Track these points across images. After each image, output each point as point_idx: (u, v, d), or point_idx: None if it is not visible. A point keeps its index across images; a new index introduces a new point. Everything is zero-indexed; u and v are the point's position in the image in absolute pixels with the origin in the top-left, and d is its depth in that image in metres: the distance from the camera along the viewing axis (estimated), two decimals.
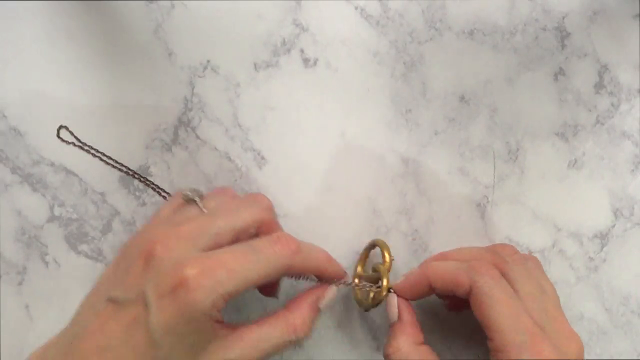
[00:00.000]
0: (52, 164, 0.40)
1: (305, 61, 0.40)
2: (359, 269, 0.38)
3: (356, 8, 0.39)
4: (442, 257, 0.37)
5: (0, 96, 0.40)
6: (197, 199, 0.34)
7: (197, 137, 0.40)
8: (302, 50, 0.39)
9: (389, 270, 0.36)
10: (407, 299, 0.35)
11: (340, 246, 0.40)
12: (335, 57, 0.39)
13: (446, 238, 0.40)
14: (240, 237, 0.32)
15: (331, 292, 0.35)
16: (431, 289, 0.34)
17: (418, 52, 0.39)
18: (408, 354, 0.33)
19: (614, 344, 0.39)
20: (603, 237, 0.39)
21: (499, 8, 0.39)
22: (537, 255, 0.39)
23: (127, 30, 0.40)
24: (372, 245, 0.38)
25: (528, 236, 0.39)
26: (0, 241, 0.40)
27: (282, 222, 0.40)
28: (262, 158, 0.40)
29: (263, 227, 0.34)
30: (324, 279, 0.35)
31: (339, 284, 0.36)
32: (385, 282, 0.35)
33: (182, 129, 0.40)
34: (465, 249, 0.37)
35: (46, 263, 0.40)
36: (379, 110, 0.40)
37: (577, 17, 0.39)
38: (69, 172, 0.40)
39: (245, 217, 0.33)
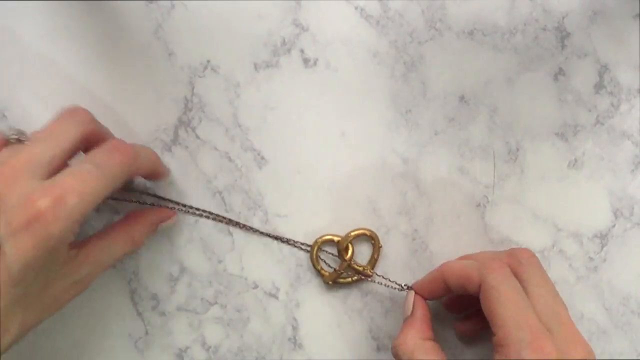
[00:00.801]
0: None
1: (305, 61, 0.40)
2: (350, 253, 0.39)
3: (356, 8, 0.39)
4: (463, 258, 0.37)
5: (0, 96, 0.40)
6: (20, 136, 0.32)
7: (197, 137, 0.40)
8: (302, 50, 0.39)
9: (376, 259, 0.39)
10: (424, 298, 0.37)
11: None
12: (335, 57, 0.39)
13: (446, 238, 0.40)
14: (72, 155, 0.32)
15: (174, 220, 0.39)
16: (447, 288, 0.35)
17: (418, 52, 0.39)
18: (413, 347, 0.34)
19: (614, 344, 0.39)
20: (603, 237, 0.39)
21: (499, 8, 0.39)
22: (537, 255, 0.39)
23: (127, 30, 0.40)
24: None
25: (528, 236, 0.39)
26: None
27: (282, 222, 0.40)
28: (262, 158, 0.40)
29: (92, 138, 0.33)
30: (154, 178, 0.38)
31: (171, 221, 0.39)
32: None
33: (182, 129, 0.40)
34: (485, 252, 0.37)
35: None
36: (379, 110, 0.40)
37: (577, 17, 0.39)
38: None
39: (70, 134, 0.32)
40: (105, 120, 0.40)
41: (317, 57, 0.39)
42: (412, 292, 0.37)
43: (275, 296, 0.40)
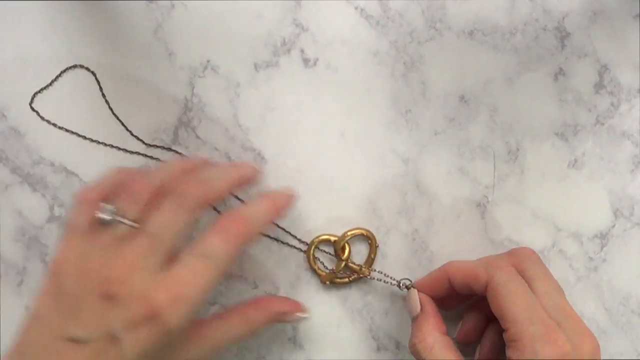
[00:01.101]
0: (52, 164, 0.40)
1: (305, 61, 0.40)
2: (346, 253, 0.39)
3: (356, 8, 0.39)
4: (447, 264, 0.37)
5: (0, 96, 0.40)
6: (119, 218, 0.31)
7: (197, 137, 0.40)
8: (302, 50, 0.39)
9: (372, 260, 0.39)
10: (427, 295, 0.37)
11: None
12: (335, 57, 0.39)
13: (446, 238, 0.40)
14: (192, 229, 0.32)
15: (299, 316, 0.36)
16: (450, 287, 0.35)
17: (418, 52, 0.39)
18: (433, 343, 0.34)
19: (614, 344, 0.39)
20: (603, 237, 0.39)
21: (499, 8, 0.39)
22: None
23: (127, 30, 0.40)
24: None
25: (528, 236, 0.39)
26: (0, 241, 0.40)
27: (281, 222, 0.40)
28: (262, 158, 0.40)
29: (209, 204, 0.33)
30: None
31: (300, 317, 0.36)
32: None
33: (182, 129, 0.40)
34: (486, 256, 0.37)
35: (46, 263, 0.40)
36: (379, 110, 0.40)
37: (577, 17, 0.39)
38: (69, 172, 0.40)
39: (184, 223, 0.32)
40: (106, 120, 0.40)
41: (317, 57, 0.39)
42: (415, 290, 0.37)
43: None
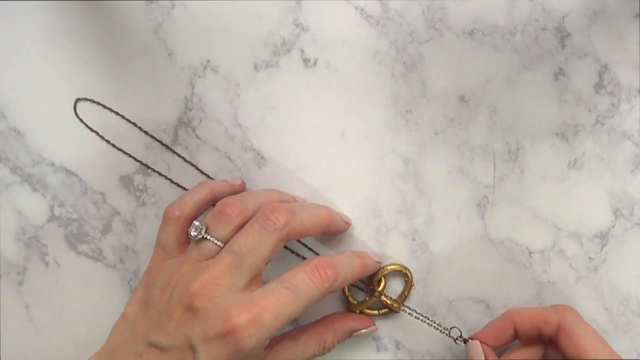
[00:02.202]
0: (52, 164, 0.40)
1: (305, 61, 0.40)
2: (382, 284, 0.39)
3: (356, 8, 0.39)
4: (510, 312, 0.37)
5: (0, 96, 0.40)
6: (206, 236, 0.33)
7: (197, 137, 0.40)
8: (302, 50, 0.39)
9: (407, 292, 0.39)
10: (490, 347, 0.37)
11: (340, 246, 0.40)
12: (335, 57, 0.39)
13: (446, 238, 0.40)
14: (272, 258, 0.33)
15: (370, 330, 0.38)
16: (514, 334, 0.36)
17: (418, 52, 0.39)
18: None
19: (614, 344, 0.39)
20: (603, 237, 0.39)
21: (499, 8, 0.39)
22: (537, 255, 0.39)
23: (127, 30, 0.40)
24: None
25: (528, 236, 0.39)
26: (0, 241, 0.40)
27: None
28: (262, 158, 0.40)
29: (291, 236, 0.34)
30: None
31: (371, 330, 0.38)
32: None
33: (182, 129, 0.40)
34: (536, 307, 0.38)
35: (46, 263, 0.40)
36: (379, 110, 0.40)
37: (577, 17, 0.39)
38: (69, 172, 0.40)
39: (269, 244, 0.33)
40: (106, 120, 0.40)
41: (317, 57, 0.39)
42: (478, 342, 0.36)
43: None
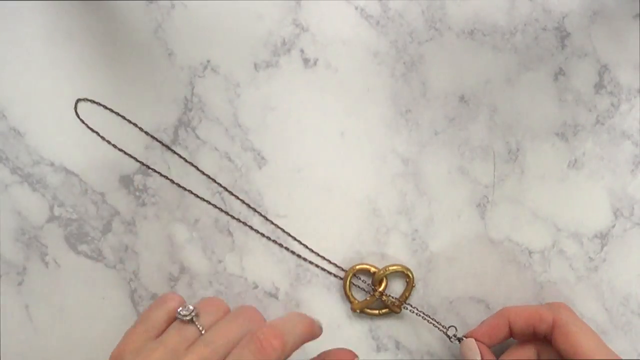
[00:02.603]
0: (52, 164, 0.40)
1: (305, 61, 0.40)
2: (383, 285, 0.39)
3: (356, 8, 0.39)
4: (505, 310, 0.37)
5: (0, 96, 0.40)
6: (194, 319, 0.33)
7: (197, 137, 0.40)
8: (302, 50, 0.39)
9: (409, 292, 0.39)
10: (484, 344, 0.36)
11: (340, 246, 0.40)
12: (335, 57, 0.39)
13: (446, 238, 0.40)
14: None
15: None
16: (509, 332, 0.36)
17: (418, 52, 0.39)
18: None
19: (614, 344, 0.39)
20: (603, 237, 0.39)
21: (499, 8, 0.39)
22: (537, 255, 0.39)
23: (127, 30, 0.40)
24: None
25: (528, 236, 0.39)
26: (0, 241, 0.40)
27: (282, 222, 0.40)
28: (262, 158, 0.40)
29: None
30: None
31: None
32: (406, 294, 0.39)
33: (182, 129, 0.40)
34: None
35: (46, 263, 0.40)
36: (379, 110, 0.40)
37: (577, 17, 0.39)
38: (68, 172, 0.40)
39: (240, 336, 0.32)
40: (106, 121, 0.40)
41: (317, 57, 0.39)
42: (473, 340, 0.36)
43: (275, 296, 0.40)
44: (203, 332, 0.33)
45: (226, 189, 0.40)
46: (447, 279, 0.39)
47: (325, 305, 0.40)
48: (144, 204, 0.40)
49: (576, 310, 0.39)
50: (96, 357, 0.40)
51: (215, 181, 0.40)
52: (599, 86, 0.39)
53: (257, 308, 0.36)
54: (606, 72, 0.39)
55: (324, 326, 0.40)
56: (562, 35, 0.39)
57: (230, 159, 0.40)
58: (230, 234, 0.40)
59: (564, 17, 0.39)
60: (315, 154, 0.40)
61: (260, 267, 0.40)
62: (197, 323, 0.33)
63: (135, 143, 0.40)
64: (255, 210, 0.40)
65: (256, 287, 0.40)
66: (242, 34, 0.39)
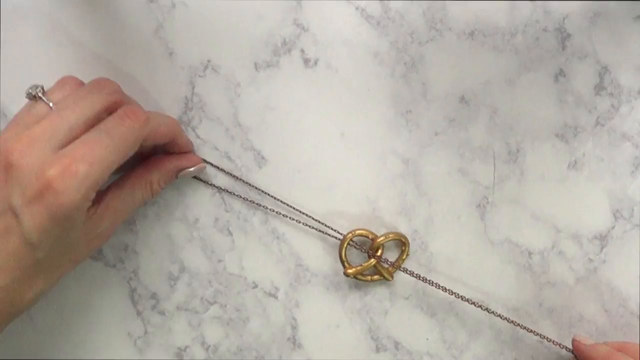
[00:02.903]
0: None
1: (306, 61, 0.40)
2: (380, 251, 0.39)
3: (357, 8, 0.39)
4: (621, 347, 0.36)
5: (0, 96, 0.40)
6: (40, 94, 0.32)
7: (197, 136, 0.40)
8: (302, 50, 0.39)
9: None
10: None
11: (334, 247, 0.40)
12: (335, 58, 0.39)
13: (446, 238, 0.40)
14: (93, 124, 0.32)
15: (197, 168, 0.38)
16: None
17: (418, 53, 0.39)
18: None
19: None
20: (603, 239, 0.39)
21: (500, 9, 0.39)
22: (536, 256, 0.39)
23: (128, 30, 0.40)
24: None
25: (528, 237, 0.39)
26: None
27: (282, 222, 0.40)
28: (262, 158, 0.40)
29: (114, 108, 0.33)
30: (175, 148, 0.37)
31: (199, 169, 0.38)
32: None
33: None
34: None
35: None
36: (379, 110, 0.40)
37: (577, 18, 0.39)
38: None
39: (94, 104, 0.32)
40: None
41: (317, 57, 0.39)
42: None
43: (274, 296, 0.40)
44: (53, 107, 0.32)
45: (234, 175, 0.40)
46: (446, 279, 0.39)
47: (325, 306, 0.40)
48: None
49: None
50: (96, 357, 0.40)
51: (223, 170, 0.40)
52: (599, 87, 0.39)
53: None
54: (606, 73, 0.39)
55: (323, 326, 0.40)
56: (563, 37, 0.39)
57: (230, 159, 0.40)
58: (230, 233, 0.40)
59: (564, 18, 0.39)
60: (315, 154, 0.40)
61: (260, 266, 0.40)
62: (45, 99, 0.32)
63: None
64: (263, 192, 0.40)
65: (256, 286, 0.40)
66: (242, 33, 0.39)
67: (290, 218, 0.39)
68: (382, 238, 0.38)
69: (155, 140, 0.35)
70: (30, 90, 0.33)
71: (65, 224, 0.30)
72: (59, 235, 0.30)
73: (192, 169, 0.38)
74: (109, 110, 0.33)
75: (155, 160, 0.37)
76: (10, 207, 0.30)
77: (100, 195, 0.34)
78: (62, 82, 0.34)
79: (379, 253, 0.39)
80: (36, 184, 0.29)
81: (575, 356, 0.37)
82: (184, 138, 0.38)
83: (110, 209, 0.34)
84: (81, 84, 0.35)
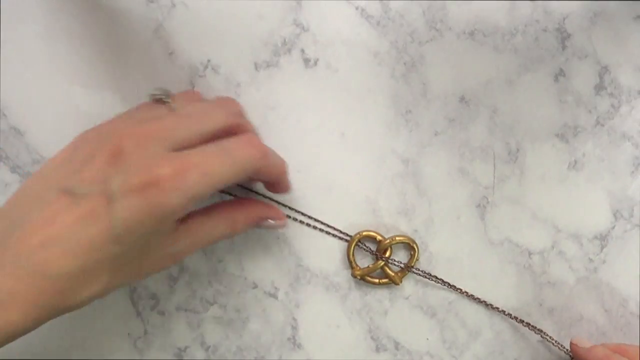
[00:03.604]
0: None
1: (306, 61, 0.40)
2: (388, 252, 0.39)
3: (357, 8, 0.39)
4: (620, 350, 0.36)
5: (0, 96, 0.40)
6: (165, 97, 0.32)
7: None
8: (302, 50, 0.39)
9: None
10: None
11: (339, 246, 0.40)
12: (335, 57, 0.39)
13: (446, 238, 0.40)
14: (209, 140, 0.31)
15: (279, 224, 0.37)
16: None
17: (418, 53, 0.39)
18: None
19: None
20: (603, 239, 0.39)
21: (500, 9, 0.39)
22: (536, 256, 0.39)
23: (128, 30, 0.40)
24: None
25: (528, 237, 0.39)
26: None
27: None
28: None
29: (234, 131, 0.33)
30: (271, 189, 0.37)
31: (279, 222, 0.37)
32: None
33: None
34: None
35: None
36: (379, 110, 0.40)
37: (577, 18, 0.39)
38: None
39: (215, 120, 0.32)
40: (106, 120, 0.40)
41: (317, 57, 0.39)
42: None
43: (274, 296, 0.40)
44: (174, 109, 0.31)
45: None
46: (446, 279, 0.39)
47: (325, 306, 0.40)
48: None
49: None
50: (96, 357, 0.40)
51: None
52: (599, 87, 0.39)
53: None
54: (606, 73, 0.39)
55: (323, 326, 0.40)
56: (563, 37, 0.39)
57: None
58: None
59: (564, 18, 0.39)
60: (315, 154, 0.40)
61: (259, 267, 0.40)
62: (167, 100, 0.32)
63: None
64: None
65: (256, 287, 0.40)
66: (242, 33, 0.39)
67: (291, 218, 0.39)
68: (388, 240, 0.38)
69: (261, 176, 0.34)
70: (156, 93, 0.32)
71: (154, 225, 0.29)
72: (142, 235, 0.29)
73: (274, 222, 0.37)
74: (228, 131, 0.32)
75: (245, 201, 0.36)
76: (106, 191, 0.28)
77: (186, 216, 0.32)
78: (188, 93, 0.35)
79: (387, 255, 0.39)
80: (143, 176, 0.28)
81: (573, 359, 0.37)
82: (286, 184, 0.37)
83: (190, 231, 0.32)
84: (205, 99, 0.35)
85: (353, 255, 0.39)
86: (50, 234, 0.28)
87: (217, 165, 0.29)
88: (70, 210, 0.28)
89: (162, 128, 0.30)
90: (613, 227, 0.39)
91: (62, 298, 0.29)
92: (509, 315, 0.39)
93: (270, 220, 0.36)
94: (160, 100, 0.32)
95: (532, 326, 0.38)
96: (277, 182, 0.36)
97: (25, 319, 0.28)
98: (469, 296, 0.39)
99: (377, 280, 0.39)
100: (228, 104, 0.34)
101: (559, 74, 0.39)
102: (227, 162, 0.30)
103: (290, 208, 0.39)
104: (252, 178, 0.34)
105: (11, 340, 0.28)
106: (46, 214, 0.28)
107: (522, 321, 0.39)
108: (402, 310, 0.40)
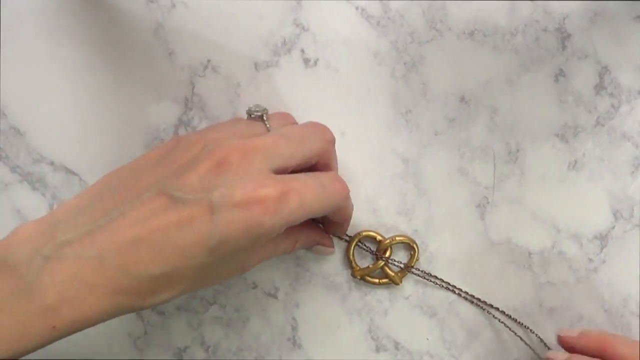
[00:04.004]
0: (52, 163, 0.40)
1: (306, 61, 0.40)
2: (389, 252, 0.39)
3: (357, 8, 0.39)
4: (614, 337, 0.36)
5: (0, 96, 0.40)
6: (263, 115, 0.33)
7: None
8: (302, 50, 0.39)
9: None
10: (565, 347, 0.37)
11: (339, 246, 0.40)
12: (335, 58, 0.39)
13: (446, 238, 0.40)
14: (302, 165, 0.32)
15: (329, 252, 0.39)
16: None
17: (418, 53, 0.39)
18: None
19: None
20: (603, 239, 0.39)
21: (500, 9, 0.39)
22: (536, 256, 0.39)
23: (128, 30, 0.40)
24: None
25: (528, 237, 0.39)
26: None
27: None
28: None
29: (322, 160, 0.33)
30: (330, 228, 0.38)
31: (329, 250, 0.39)
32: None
33: (182, 129, 0.40)
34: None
35: None
36: (379, 110, 0.40)
37: (577, 18, 0.39)
38: (68, 171, 0.40)
39: (312, 146, 0.32)
40: (106, 120, 0.40)
41: (317, 57, 0.39)
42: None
43: (274, 296, 0.40)
44: (269, 128, 0.32)
45: None
46: (446, 279, 0.39)
47: (325, 306, 0.40)
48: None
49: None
50: (96, 357, 0.40)
51: None
52: (599, 87, 0.39)
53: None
54: (607, 73, 0.39)
55: (323, 326, 0.40)
56: (563, 37, 0.39)
57: None
58: None
59: (564, 18, 0.39)
60: None
61: (259, 266, 0.40)
62: (266, 123, 0.32)
63: (135, 142, 0.40)
64: None
65: (256, 287, 0.40)
66: (242, 33, 0.39)
67: None
68: (388, 240, 0.38)
69: (335, 215, 0.35)
70: (254, 109, 0.33)
71: (248, 242, 0.28)
72: (233, 250, 0.29)
73: (324, 249, 0.38)
74: (319, 159, 0.33)
75: (309, 225, 0.37)
76: (208, 201, 0.27)
77: None
78: (282, 114, 0.36)
79: (387, 255, 0.39)
80: (248, 193, 0.28)
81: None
82: (346, 228, 0.38)
83: (263, 247, 0.33)
84: (297, 123, 0.36)
85: (353, 255, 0.39)
86: (142, 234, 0.27)
87: (313, 196, 0.30)
88: (167, 213, 0.28)
89: (266, 146, 0.30)
90: (613, 227, 0.39)
91: (139, 299, 0.28)
92: (508, 316, 0.39)
93: (321, 247, 0.38)
94: (257, 117, 0.33)
95: (531, 329, 0.38)
96: (341, 224, 0.37)
97: (99, 313, 0.28)
98: (468, 297, 0.39)
99: (377, 280, 0.39)
100: (322, 130, 0.34)
101: (559, 74, 0.39)
102: (322, 195, 0.31)
103: None
104: (333, 216, 0.35)
105: (76, 332, 0.28)
106: (141, 213, 0.28)
107: (521, 323, 0.39)
108: (402, 310, 0.40)
